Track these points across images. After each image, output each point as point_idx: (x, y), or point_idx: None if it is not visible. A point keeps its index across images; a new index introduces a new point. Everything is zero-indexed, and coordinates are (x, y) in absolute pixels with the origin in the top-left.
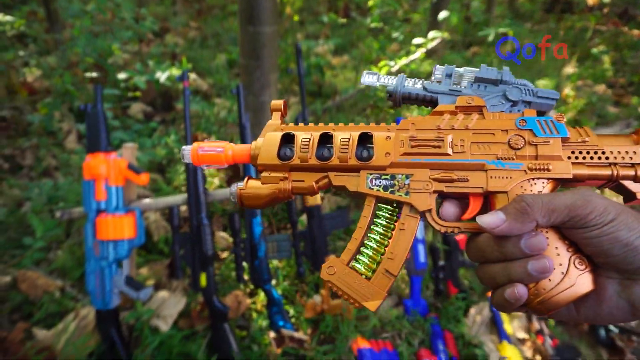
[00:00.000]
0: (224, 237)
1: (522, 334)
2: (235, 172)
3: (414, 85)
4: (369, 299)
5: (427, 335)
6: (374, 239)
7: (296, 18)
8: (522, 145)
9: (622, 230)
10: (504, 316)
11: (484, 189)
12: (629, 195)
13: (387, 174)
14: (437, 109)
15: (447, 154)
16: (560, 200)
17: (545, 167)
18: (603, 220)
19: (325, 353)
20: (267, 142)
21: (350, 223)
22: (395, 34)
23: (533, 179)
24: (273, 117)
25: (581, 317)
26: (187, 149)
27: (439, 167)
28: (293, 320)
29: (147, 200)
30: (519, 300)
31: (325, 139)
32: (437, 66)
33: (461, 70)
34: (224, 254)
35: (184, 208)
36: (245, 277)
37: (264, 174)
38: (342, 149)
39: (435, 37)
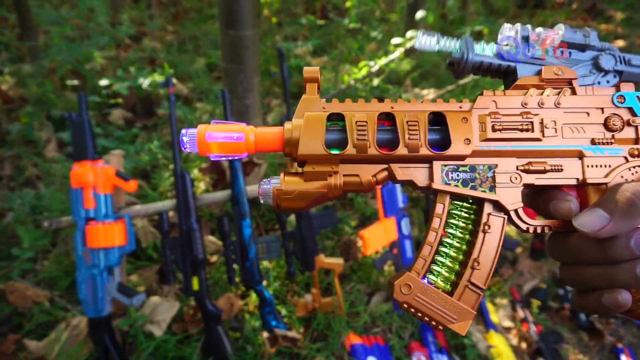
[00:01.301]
0: (212, 241)
1: (507, 323)
2: (220, 174)
3: (485, 52)
4: (456, 320)
5: (417, 328)
6: (450, 244)
7: (274, 20)
8: (620, 127)
9: None
10: (489, 306)
11: (580, 179)
12: None
13: (465, 165)
14: (520, 81)
15: (538, 139)
16: None
17: None
18: None
19: (318, 350)
20: (309, 125)
21: (337, 222)
22: (373, 34)
23: (635, 167)
24: (308, 90)
25: None
26: (190, 134)
27: (527, 155)
28: (285, 319)
29: (136, 207)
30: (621, 308)
31: (382, 121)
32: (507, 25)
33: (539, 30)
34: (214, 258)
35: (171, 213)
36: (237, 279)
37: (307, 167)
38: (410, 133)
39: (413, 36)
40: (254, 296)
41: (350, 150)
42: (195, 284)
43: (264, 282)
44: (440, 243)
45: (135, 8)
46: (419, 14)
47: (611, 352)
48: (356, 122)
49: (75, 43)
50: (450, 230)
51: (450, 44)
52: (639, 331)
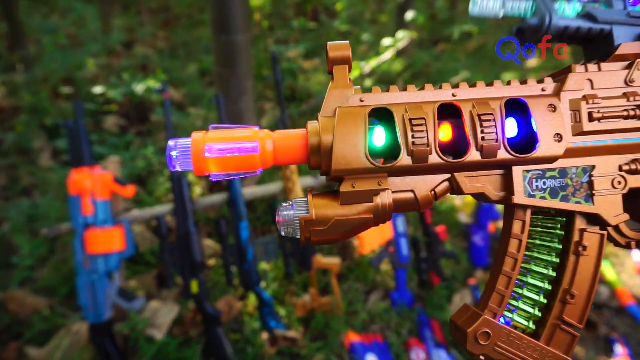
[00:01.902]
0: (209, 245)
1: None
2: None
3: (565, 12)
4: None
5: (415, 324)
6: (534, 271)
7: (265, 24)
8: None
9: None
10: None
11: None
12: None
13: (554, 169)
14: (620, 50)
15: None
16: None
17: None
18: None
19: (318, 349)
20: (345, 125)
21: None
22: (363, 35)
23: None
24: (336, 75)
25: None
26: (181, 147)
27: (634, 149)
28: (284, 320)
29: (134, 212)
30: None
31: (442, 113)
32: None
33: None
34: (212, 261)
35: (168, 218)
36: (235, 281)
37: (345, 185)
38: (486, 131)
39: (403, 37)
40: (252, 297)
41: (404, 159)
42: (194, 286)
43: (263, 283)
44: (522, 270)
45: (125, 15)
46: (409, 15)
47: (605, 342)
48: (410, 119)
49: (66, 51)
50: (533, 254)
51: (520, 6)
52: (633, 321)
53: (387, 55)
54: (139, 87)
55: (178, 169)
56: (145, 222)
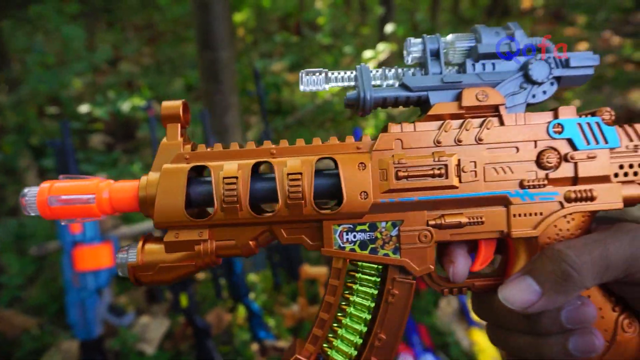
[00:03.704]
0: None
1: None
2: None
3: (387, 81)
4: None
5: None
6: (352, 314)
7: (249, 39)
8: (556, 164)
9: None
10: (470, 304)
11: (505, 232)
12: None
13: (364, 223)
14: (433, 111)
15: (453, 186)
16: (616, 254)
17: (588, 194)
18: None
19: None
20: (166, 183)
21: None
22: (346, 48)
23: (571, 214)
24: (168, 132)
25: None
26: (30, 197)
27: (441, 206)
28: (274, 330)
29: (122, 228)
30: None
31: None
32: (412, 40)
33: (450, 38)
34: (200, 275)
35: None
36: (224, 293)
37: (168, 236)
38: (292, 189)
39: (383, 49)
40: (242, 309)
41: (217, 215)
42: (183, 300)
43: (252, 295)
44: (342, 313)
45: (110, 32)
46: (389, 28)
47: None
48: (223, 178)
49: (52, 70)
50: (352, 298)
51: (344, 78)
52: None
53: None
54: (125, 105)
55: (31, 214)
56: (134, 239)
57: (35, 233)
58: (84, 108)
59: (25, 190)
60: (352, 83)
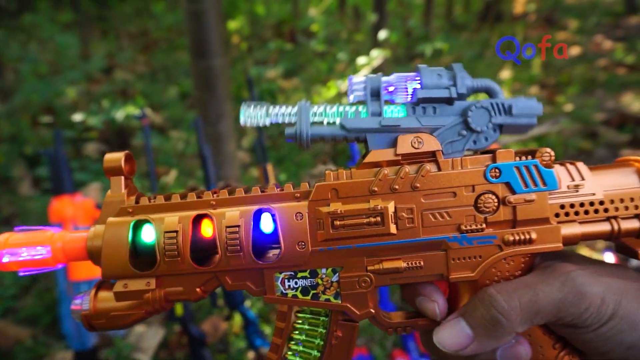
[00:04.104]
0: None
1: None
2: None
3: (326, 119)
4: None
5: (399, 336)
6: (304, 352)
7: (244, 46)
8: (494, 208)
9: (624, 331)
10: None
11: (444, 275)
12: (628, 252)
13: (304, 270)
14: (369, 159)
15: (390, 234)
16: (545, 298)
17: (527, 237)
18: (600, 320)
19: None
20: (110, 236)
21: None
22: (340, 54)
23: (510, 257)
24: (112, 185)
25: None
26: None
27: (379, 253)
28: (270, 338)
29: None
30: None
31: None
32: (354, 79)
33: (393, 78)
34: None
35: None
36: (220, 301)
37: (117, 286)
38: (230, 242)
39: (377, 55)
40: (237, 317)
41: (161, 267)
42: (178, 309)
43: (247, 303)
44: (290, 349)
45: (105, 40)
46: (382, 34)
47: None
48: (165, 232)
49: (46, 79)
50: (301, 337)
51: (285, 113)
52: None
53: (363, 73)
54: (119, 114)
55: None
56: None
57: None
58: (77, 117)
59: None
60: (293, 119)
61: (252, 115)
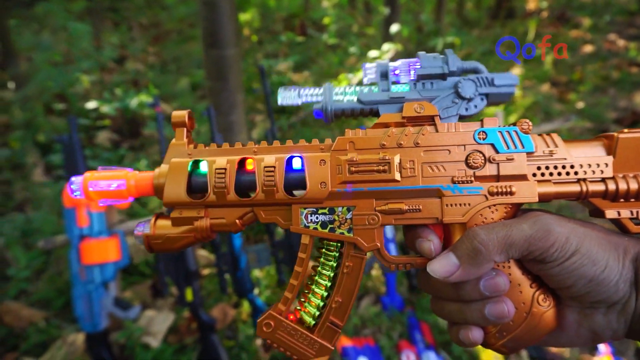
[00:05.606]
0: (203, 254)
1: None
2: None
3: (346, 97)
4: (314, 355)
5: (405, 327)
6: (317, 281)
7: (255, 38)
8: (481, 164)
9: (585, 265)
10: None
11: (439, 219)
12: (596, 212)
13: (324, 208)
14: (380, 120)
15: (395, 180)
16: (518, 234)
17: (508, 189)
18: (564, 254)
19: None
20: (173, 173)
21: None
22: (351, 48)
23: (494, 205)
24: (177, 135)
25: (540, 342)
26: (77, 183)
27: (385, 196)
28: None
29: (129, 223)
30: (472, 343)
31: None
32: (367, 65)
33: (398, 63)
34: (205, 271)
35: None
36: (229, 289)
37: (174, 213)
38: (267, 179)
39: (388, 49)
40: (246, 305)
41: (210, 197)
42: (189, 294)
43: (256, 291)
44: (310, 281)
45: (117, 31)
46: (394, 28)
47: None
48: (215, 169)
49: (59, 68)
50: (318, 268)
51: (313, 94)
52: None
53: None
54: (133, 102)
55: (78, 195)
56: None
57: (41, 228)
58: (91, 104)
59: (73, 178)
60: (319, 98)
61: (287, 96)
